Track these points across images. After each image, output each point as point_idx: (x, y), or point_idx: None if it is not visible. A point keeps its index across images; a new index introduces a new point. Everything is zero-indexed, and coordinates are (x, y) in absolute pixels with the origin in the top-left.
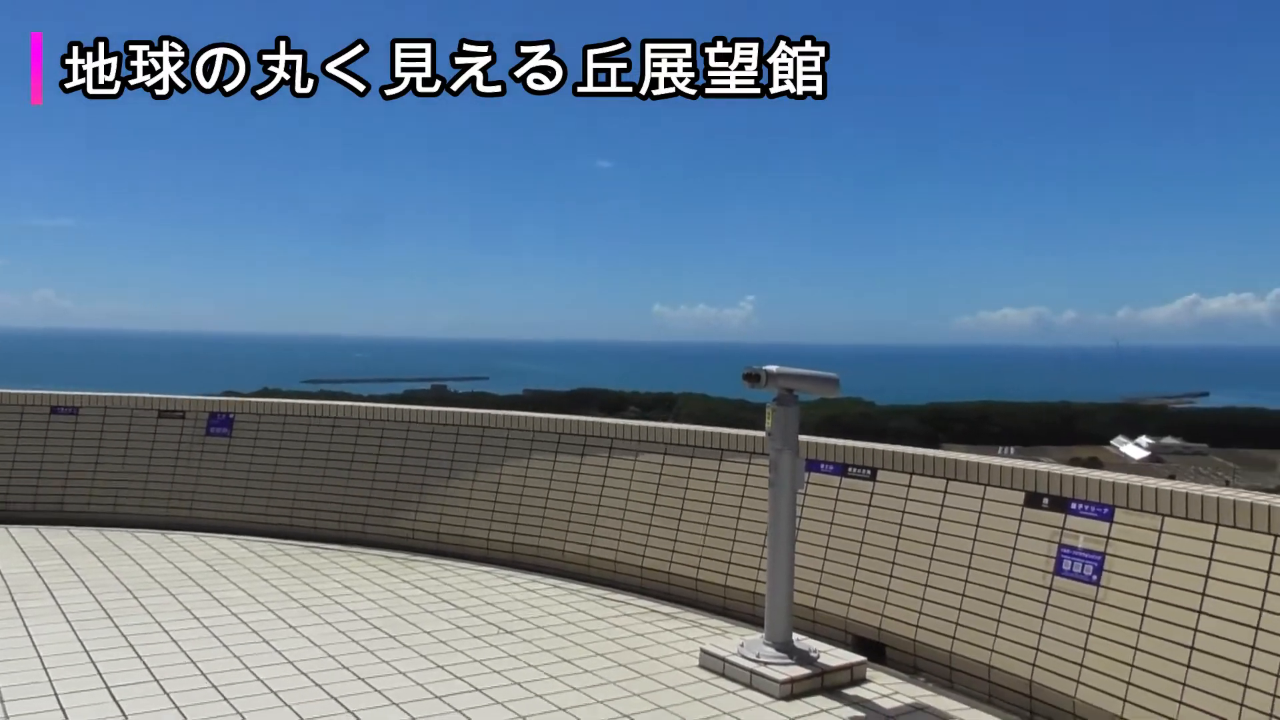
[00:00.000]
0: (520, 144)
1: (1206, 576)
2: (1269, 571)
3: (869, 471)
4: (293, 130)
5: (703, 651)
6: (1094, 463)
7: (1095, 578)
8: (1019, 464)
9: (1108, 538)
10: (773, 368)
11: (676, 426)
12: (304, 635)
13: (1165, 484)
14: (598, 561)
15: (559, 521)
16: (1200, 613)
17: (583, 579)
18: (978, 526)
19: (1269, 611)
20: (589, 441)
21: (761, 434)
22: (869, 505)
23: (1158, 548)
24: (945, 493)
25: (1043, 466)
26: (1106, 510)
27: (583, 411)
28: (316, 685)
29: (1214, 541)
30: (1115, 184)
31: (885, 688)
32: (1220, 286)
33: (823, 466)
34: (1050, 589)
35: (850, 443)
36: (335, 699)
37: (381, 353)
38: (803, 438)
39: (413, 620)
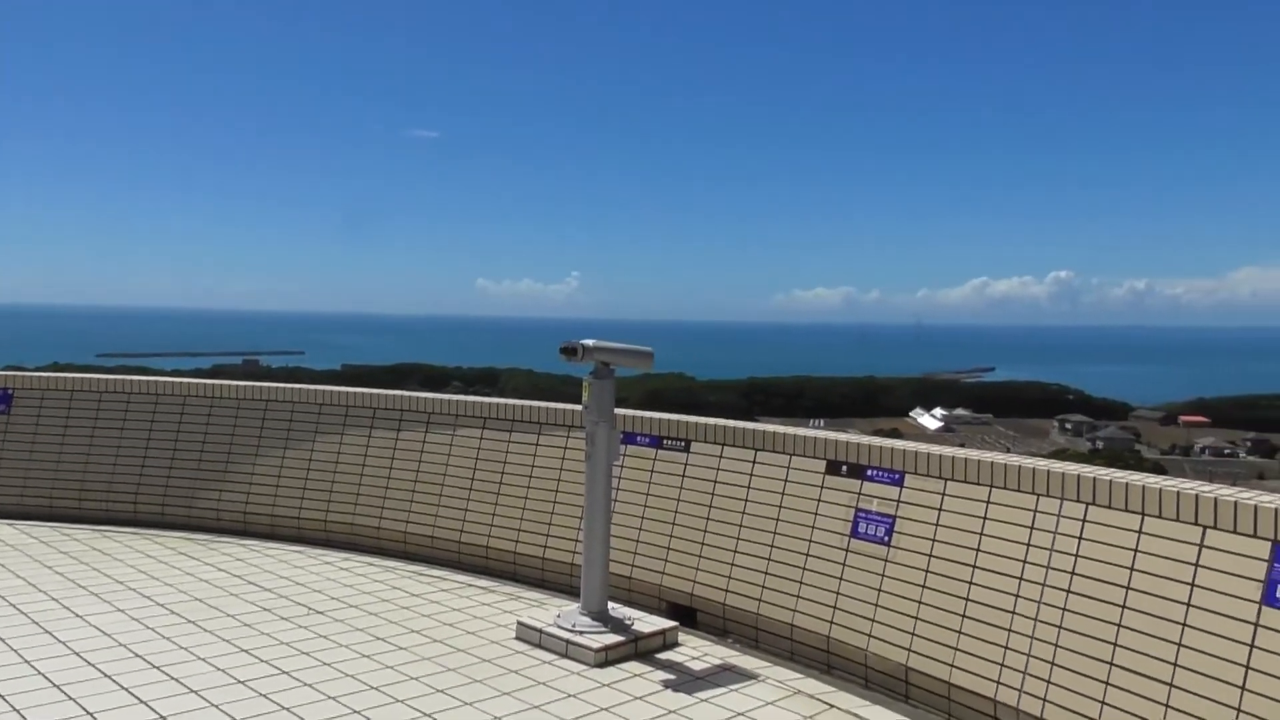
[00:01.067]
0: (339, 110)
1: (981, 534)
2: (1031, 527)
3: (683, 443)
4: (81, 79)
5: (519, 623)
6: (894, 433)
7: (886, 538)
8: (821, 434)
9: (898, 501)
10: (589, 341)
11: (495, 400)
12: (92, 624)
13: (948, 450)
14: (414, 537)
15: (374, 498)
16: (975, 567)
17: (399, 556)
18: (783, 494)
19: (1031, 563)
20: (405, 416)
21: (580, 407)
22: (683, 476)
23: (941, 509)
24: (754, 463)
25: (843, 436)
26: (897, 476)
27: (404, 387)
28: (106, 676)
29: (988, 502)
30: (913, 166)
31: (696, 650)
32: (1005, 269)
33: (639, 439)
34: (847, 550)
35: (665, 415)
36: (126, 689)
37: (187, 325)
38: (620, 411)
39: (215, 604)
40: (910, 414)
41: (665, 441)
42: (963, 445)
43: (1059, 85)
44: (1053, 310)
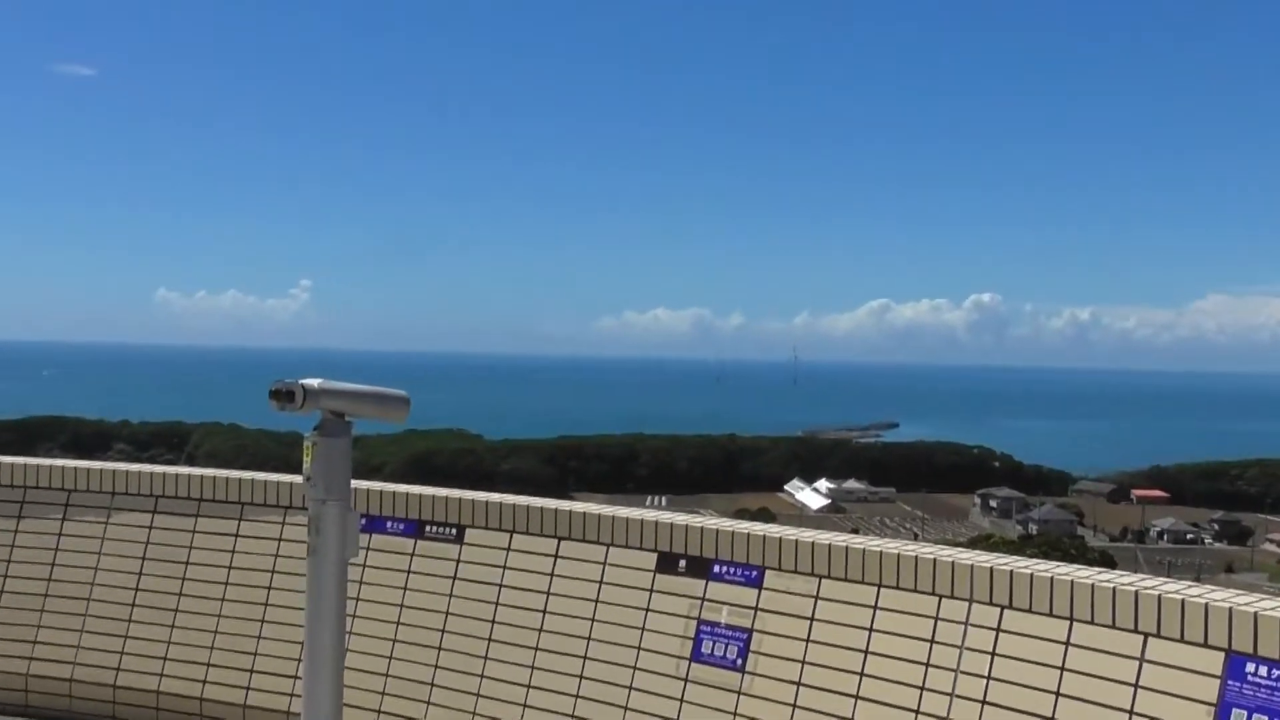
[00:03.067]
0: None
1: (866, 651)
2: (932, 641)
3: (454, 530)
4: None
5: None
6: (764, 514)
7: (740, 661)
8: (650, 515)
9: (756, 608)
10: (313, 382)
11: (174, 471)
12: None
13: (822, 536)
14: (41, 683)
15: None
16: (858, 698)
17: (16, 711)
18: (597, 602)
19: (930, 690)
20: (31, 496)
21: (301, 479)
22: (454, 578)
23: (813, 618)
24: (556, 557)
25: (679, 518)
26: (755, 573)
27: (39, 452)
28: None
29: (875, 607)
30: (790, 155)
31: None
32: (912, 290)
33: (389, 525)
34: (686, 680)
35: (428, 490)
36: None
37: None
38: (362, 484)
39: None
40: (786, 488)
41: (428, 528)
42: (855, 531)
43: (987, 60)
44: (973, 345)
